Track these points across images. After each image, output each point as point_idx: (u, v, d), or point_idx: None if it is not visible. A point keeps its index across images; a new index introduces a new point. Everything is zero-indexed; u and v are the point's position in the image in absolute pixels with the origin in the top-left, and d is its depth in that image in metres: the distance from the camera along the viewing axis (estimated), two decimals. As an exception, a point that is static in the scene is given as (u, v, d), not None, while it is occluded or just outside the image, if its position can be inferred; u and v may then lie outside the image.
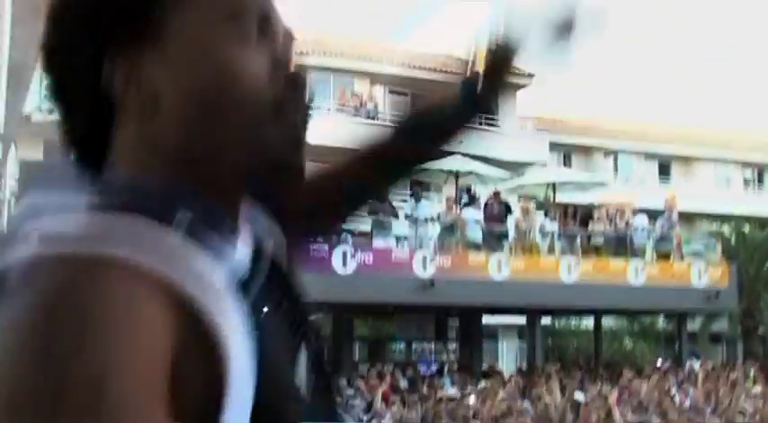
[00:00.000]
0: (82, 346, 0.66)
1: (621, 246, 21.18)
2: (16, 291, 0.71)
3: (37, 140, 24.23)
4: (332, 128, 30.23)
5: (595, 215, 21.65)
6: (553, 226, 20.92)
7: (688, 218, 32.25)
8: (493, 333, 30.77)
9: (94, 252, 0.73)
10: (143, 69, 0.87)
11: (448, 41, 33.84)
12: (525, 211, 21.12)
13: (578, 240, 21.38)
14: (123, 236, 0.75)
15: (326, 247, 17.93)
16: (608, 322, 27.45)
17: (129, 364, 0.67)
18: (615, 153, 39.32)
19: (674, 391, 16.11)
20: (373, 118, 31.74)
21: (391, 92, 34.01)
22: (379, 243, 18.92)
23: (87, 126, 0.90)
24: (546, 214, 21.41)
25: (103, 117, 0.89)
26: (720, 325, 29.84)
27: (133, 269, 0.73)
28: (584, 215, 21.99)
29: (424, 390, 15.34)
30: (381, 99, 33.02)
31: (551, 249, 20.56)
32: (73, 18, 0.88)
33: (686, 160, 41.08)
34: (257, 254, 0.92)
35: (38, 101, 8.57)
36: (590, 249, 20.96)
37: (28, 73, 8.65)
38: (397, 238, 19.52)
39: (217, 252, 0.82)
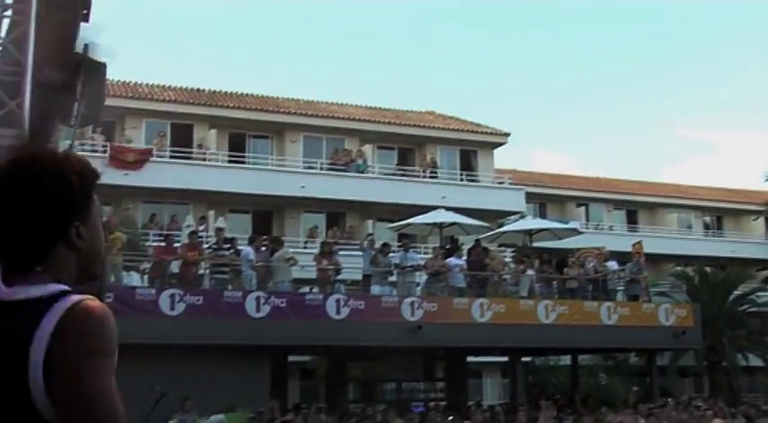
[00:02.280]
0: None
1: (594, 289, 21.21)
2: (85, 320, 1.74)
3: None
4: (325, 183, 30.32)
5: (570, 261, 21.67)
6: (531, 271, 20.93)
7: (654, 261, 32.36)
8: (477, 371, 30.58)
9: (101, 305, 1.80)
10: (80, 237, 1.89)
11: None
12: (504, 259, 21.15)
13: (554, 284, 21.40)
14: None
15: (321, 296, 17.87)
16: (584, 359, 27.33)
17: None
18: (586, 203, 39.57)
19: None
20: (362, 172, 31.86)
21: (380, 148, 34.17)
22: (370, 291, 18.93)
23: (34, 253, 1.86)
24: (524, 261, 21.43)
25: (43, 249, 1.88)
26: (687, 360, 29.77)
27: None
28: (559, 261, 22.02)
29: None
30: (370, 155, 33.16)
31: (530, 293, 20.55)
32: (58, 202, 1.88)
33: (651, 208, 41.37)
34: None
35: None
36: (565, 292, 20.96)
37: (45, 143, 8.68)
38: (388, 286, 19.49)
39: None
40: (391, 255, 19.70)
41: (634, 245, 23.24)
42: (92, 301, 1.77)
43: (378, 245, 20.02)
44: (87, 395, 1.68)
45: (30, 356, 1.70)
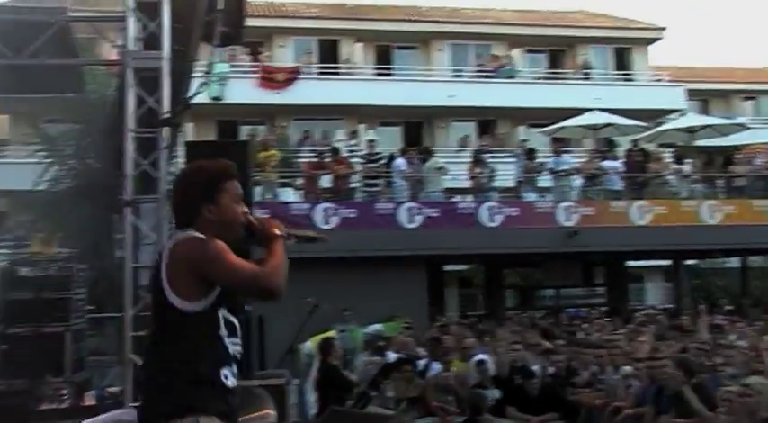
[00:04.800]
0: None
1: (765, 187, 19.92)
2: (189, 243, 3.07)
3: (201, 122, 25.10)
4: (474, 91, 29.76)
5: (736, 158, 20.39)
6: (694, 170, 19.89)
7: (831, 154, 30.08)
8: (638, 275, 29.74)
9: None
10: (211, 212, 3.15)
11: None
12: (664, 159, 20.18)
13: (720, 183, 20.26)
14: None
15: (473, 204, 17.64)
16: (754, 261, 25.98)
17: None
18: (754, 96, 37.07)
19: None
20: (512, 78, 31.01)
21: (529, 51, 33.14)
22: (524, 197, 18.58)
23: (187, 220, 3.18)
24: (686, 160, 20.37)
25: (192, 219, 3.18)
26: None
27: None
28: (725, 158, 20.78)
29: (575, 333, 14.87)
30: (519, 59, 32.18)
31: (693, 193, 19.58)
32: (195, 192, 3.18)
33: (827, 97, 38.32)
34: None
35: (197, 88, 8.62)
36: (732, 191, 19.81)
37: (189, 62, 8.72)
38: (541, 191, 19.04)
39: None
40: (544, 159, 19.15)
41: (809, 136, 21.60)
42: (190, 237, 3.08)
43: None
44: (217, 270, 2.99)
45: (162, 270, 3.04)
